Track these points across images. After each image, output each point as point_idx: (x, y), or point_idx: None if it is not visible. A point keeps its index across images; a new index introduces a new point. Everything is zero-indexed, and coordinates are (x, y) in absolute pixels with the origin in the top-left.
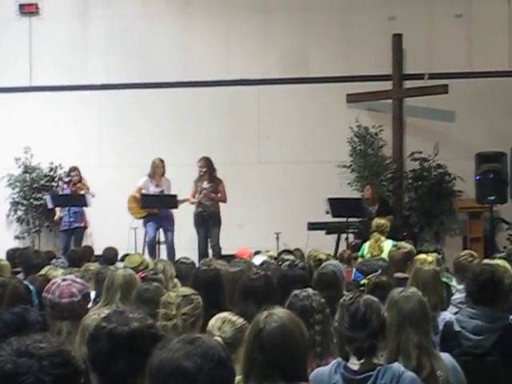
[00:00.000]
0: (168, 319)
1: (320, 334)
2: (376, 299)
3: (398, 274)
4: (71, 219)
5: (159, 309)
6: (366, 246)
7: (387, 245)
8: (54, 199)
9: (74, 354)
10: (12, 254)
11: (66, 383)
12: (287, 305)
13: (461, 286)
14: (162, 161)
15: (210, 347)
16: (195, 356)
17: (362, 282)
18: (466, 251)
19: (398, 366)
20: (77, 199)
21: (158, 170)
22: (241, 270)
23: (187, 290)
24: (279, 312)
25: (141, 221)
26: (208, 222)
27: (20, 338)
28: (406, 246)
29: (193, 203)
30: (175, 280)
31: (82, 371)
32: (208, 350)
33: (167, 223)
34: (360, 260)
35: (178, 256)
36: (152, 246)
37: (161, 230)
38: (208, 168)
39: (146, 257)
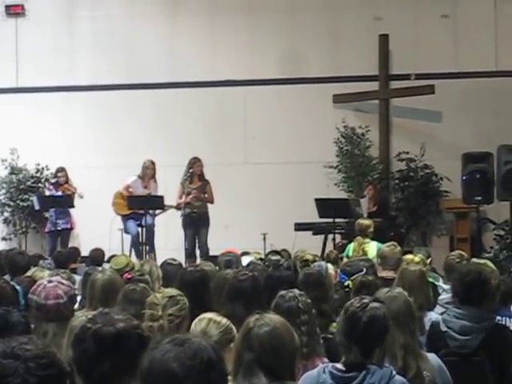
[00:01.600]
0: (154, 320)
1: (306, 335)
2: (384, 310)
3: (389, 273)
4: (57, 220)
5: (145, 310)
6: (351, 247)
7: (372, 247)
8: (40, 201)
9: (59, 357)
10: None
11: None
12: (273, 306)
13: (447, 286)
14: (152, 163)
15: (200, 349)
16: (184, 358)
17: (347, 283)
18: (457, 251)
19: (389, 369)
20: (63, 200)
21: (148, 172)
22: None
23: (173, 291)
24: (271, 316)
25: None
26: (197, 223)
27: (5, 340)
28: (398, 245)
29: (179, 205)
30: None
31: (67, 373)
32: (198, 352)
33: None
34: (345, 260)
35: (164, 257)
36: (137, 243)
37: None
38: (201, 168)
39: (133, 257)
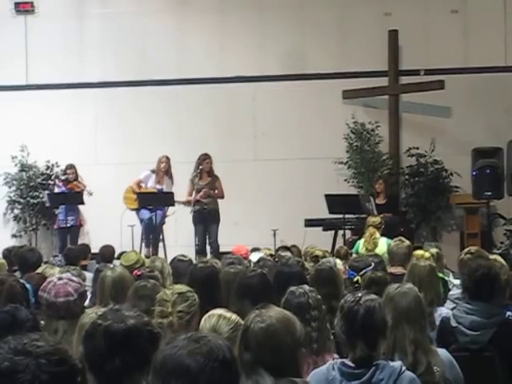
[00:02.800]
0: (164, 317)
1: (316, 331)
2: (378, 301)
3: (398, 269)
4: (67, 217)
5: (155, 306)
6: (361, 242)
7: (381, 242)
8: (50, 197)
9: (71, 353)
10: (7, 254)
11: (62, 381)
12: (283, 302)
13: (458, 281)
14: (168, 158)
15: (215, 347)
16: (198, 355)
17: (356, 279)
18: (474, 247)
19: (398, 364)
20: (73, 197)
21: (161, 166)
22: (235, 273)
23: (183, 288)
24: (270, 312)
25: (137, 219)
26: (207, 219)
27: (17, 336)
28: (406, 240)
29: (188, 201)
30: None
31: (78, 370)
32: (212, 349)
33: (160, 209)
34: (354, 256)
35: (175, 254)
36: (149, 228)
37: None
38: (211, 165)
39: (143, 254)
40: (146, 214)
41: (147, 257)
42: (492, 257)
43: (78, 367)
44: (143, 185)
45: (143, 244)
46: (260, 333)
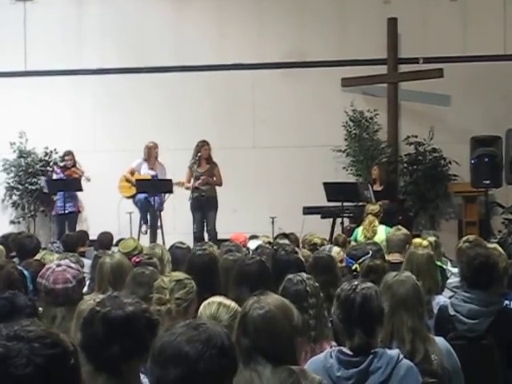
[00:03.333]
0: (162, 304)
1: (314, 318)
2: (375, 288)
3: (395, 256)
4: (65, 204)
5: (153, 293)
6: (359, 230)
7: (380, 230)
8: (49, 184)
9: (63, 337)
10: (5, 241)
11: (57, 364)
12: (281, 289)
13: (456, 270)
14: (155, 144)
15: (214, 334)
16: (197, 342)
17: (354, 267)
18: (472, 236)
19: (396, 352)
20: (71, 183)
21: (152, 152)
22: (234, 260)
23: (180, 275)
24: (268, 298)
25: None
26: (205, 206)
27: (8, 324)
28: (403, 228)
29: (187, 188)
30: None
31: (71, 352)
32: (211, 337)
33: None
34: (352, 244)
35: (173, 241)
36: (145, 207)
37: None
38: (209, 152)
39: (141, 242)
40: (141, 196)
41: (145, 232)
42: (490, 245)
43: (70, 349)
44: (136, 172)
45: (142, 225)
46: (258, 319)
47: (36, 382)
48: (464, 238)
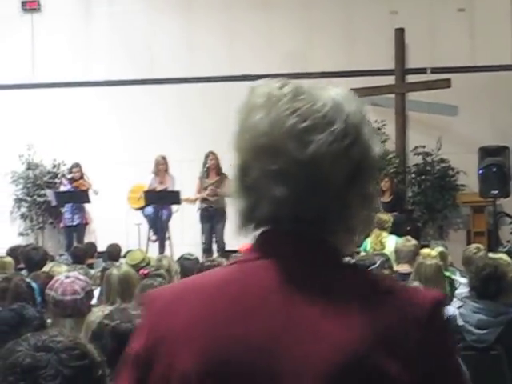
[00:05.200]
0: None
1: None
2: None
3: (404, 267)
4: (73, 216)
5: None
6: (369, 240)
7: (390, 240)
8: (57, 196)
9: (90, 347)
10: (14, 253)
11: (84, 375)
12: None
13: (465, 280)
14: (163, 158)
15: None
16: None
17: None
18: (474, 244)
19: None
20: (79, 196)
21: (160, 167)
22: None
23: None
24: None
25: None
26: (213, 218)
27: (35, 333)
28: (413, 240)
29: (196, 199)
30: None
31: (98, 363)
32: None
33: (165, 207)
34: (361, 254)
35: (181, 252)
36: (154, 221)
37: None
38: (217, 163)
39: (150, 253)
40: (150, 210)
41: (154, 241)
42: (498, 255)
43: (98, 360)
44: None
45: (151, 234)
46: None
47: None
48: (470, 247)
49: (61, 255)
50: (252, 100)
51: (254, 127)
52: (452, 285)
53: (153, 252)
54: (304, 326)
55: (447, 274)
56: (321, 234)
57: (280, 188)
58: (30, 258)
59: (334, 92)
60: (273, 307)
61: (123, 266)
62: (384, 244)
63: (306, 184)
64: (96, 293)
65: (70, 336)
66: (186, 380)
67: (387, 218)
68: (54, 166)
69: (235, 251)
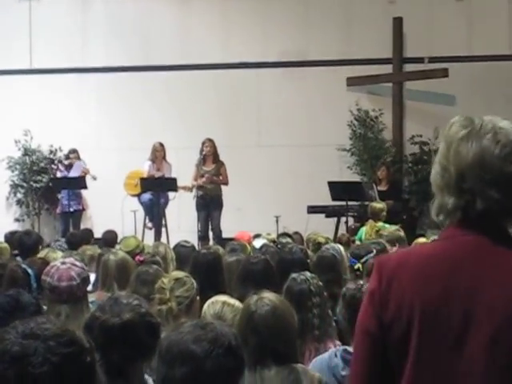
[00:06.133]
0: (163, 303)
1: (318, 317)
2: None
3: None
4: (70, 202)
5: (154, 294)
6: (364, 230)
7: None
8: (53, 182)
9: (78, 334)
10: (10, 237)
11: (73, 362)
12: (285, 288)
13: None
14: (161, 144)
15: (221, 334)
16: (204, 341)
17: (356, 266)
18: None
19: None
20: (76, 182)
21: (157, 154)
22: (237, 260)
23: (179, 273)
24: (269, 295)
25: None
26: (209, 205)
27: (23, 321)
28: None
29: (193, 187)
30: None
31: (87, 349)
32: (218, 336)
33: (161, 194)
34: (357, 243)
35: (177, 239)
36: (150, 208)
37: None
38: (213, 150)
39: (146, 240)
40: (146, 197)
41: (150, 228)
42: None
43: (86, 347)
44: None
45: (147, 221)
46: (268, 314)
47: (52, 380)
48: None
49: (55, 241)
50: (458, 132)
51: (467, 151)
52: None
53: (149, 239)
54: (492, 280)
55: None
56: (503, 221)
57: (493, 191)
58: (22, 242)
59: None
60: (472, 267)
61: (120, 252)
62: (379, 235)
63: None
64: (92, 279)
65: (58, 323)
66: (410, 317)
67: (382, 206)
68: (51, 152)
69: (231, 239)
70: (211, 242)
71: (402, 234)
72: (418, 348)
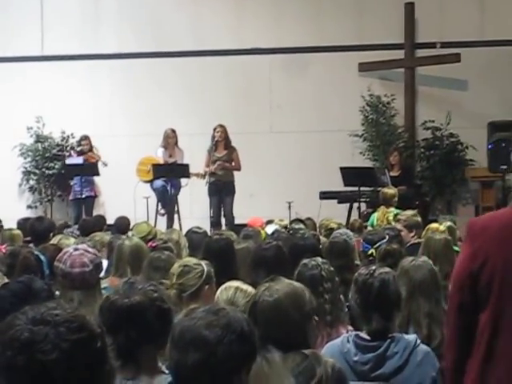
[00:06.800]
0: (167, 289)
1: (330, 303)
2: (392, 273)
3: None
4: (82, 188)
5: (167, 278)
6: (376, 216)
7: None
8: (65, 169)
9: (89, 319)
10: (23, 224)
11: (83, 348)
12: (296, 274)
13: None
14: (173, 131)
15: (234, 320)
16: (216, 327)
17: (370, 251)
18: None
19: (413, 337)
20: (88, 168)
21: (170, 140)
22: (247, 247)
23: (191, 260)
24: (278, 285)
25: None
26: (222, 191)
27: (33, 306)
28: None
29: (205, 173)
30: None
31: (97, 335)
32: (231, 322)
33: (173, 180)
34: (369, 229)
35: (190, 226)
36: (163, 195)
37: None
38: (225, 135)
39: (158, 226)
40: (159, 183)
41: (163, 214)
42: None
43: (97, 332)
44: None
45: (159, 207)
46: (267, 307)
47: (62, 366)
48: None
49: (66, 227)
50: None
51: None
52: None
53: (161, 225)
54: None
55: (456, 248)
56: None
57: None
58: (34, 229)
59: None
60: None
61: (134, 238)
62: (390, 221)
63: None
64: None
65: (69, 308)
66: (493, 269)
67: (393, 192)
68: (63, 139)
69: (244, 225)
70: (223, 228)
71: (419, 219)
72: (498, 296)
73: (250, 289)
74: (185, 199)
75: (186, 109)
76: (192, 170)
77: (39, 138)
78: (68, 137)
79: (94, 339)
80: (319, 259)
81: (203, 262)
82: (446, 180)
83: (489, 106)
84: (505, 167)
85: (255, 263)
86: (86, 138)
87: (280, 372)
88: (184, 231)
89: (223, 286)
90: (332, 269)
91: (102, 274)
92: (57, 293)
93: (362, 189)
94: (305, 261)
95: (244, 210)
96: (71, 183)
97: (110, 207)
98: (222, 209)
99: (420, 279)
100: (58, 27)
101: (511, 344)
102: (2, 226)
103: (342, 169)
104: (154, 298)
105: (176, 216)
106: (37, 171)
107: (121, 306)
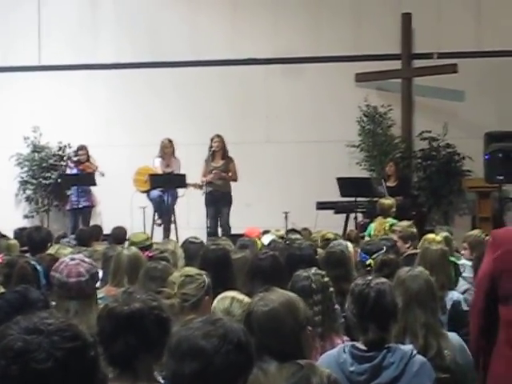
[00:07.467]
0: (167, 298)
1: (320, 314)
2: (388, 283)
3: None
4: (79, 198)
5: (164, 288)
6: (372, 226)
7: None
8: (62, 179)
9: (82, 329)
10: (20, 233)
11: (77, 356)
12: (290, 285)
13: (470, 263)
14: (170, 141)
15: (231, 330)
16: (213, 337)
17: (368, 262)
18: (476, 230)
19: (409, 348)
20: (85, 178)
21: (166, 150)
22: (244, 257)
23: (192, 270)
24: (273, 295)
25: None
26: (219, 202)
27: (26, 316)
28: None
29: (203, 184)
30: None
31: (91, 343)
32: (228, 332)
33: (170, 191)
34: (366, 239)
35: (186, 235)
36: (159, 206)
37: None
38: (222, 146)
39: (155, 236)
40: (156, 193)
41: (159, 225)
42: None
43: (90, 341)
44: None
45: (156, 217)
46: (262, 317)
47: (56, 375)
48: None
49: (62, 237)
50: None
51: None
52: (457, 270)
53: (158, 236)
54: None
55: (452, 259)
56: None
57: None
58: (31, 238)
59: None
60: None
61: (132, 248)
62: (388, 232)
63: None
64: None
65: (62, 317)
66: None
67: (391, 202)
68: (60, 149)
69: (241, 235)
70: (220, 236)
71: (414, 230)
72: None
73: (246, 299)
74: (182, 209)
75: (182, 119)
76: (189, 180)
77: (36, 148)
78: (65, 147)
79: (87, 348)
80: (312, 270)
81: (203, 273)
82: (442, 190)
83: (485, 117)
84: (501, 177)
85: (252, 273)
86: (82, 147)
87: (276, 382)
88: (181, 241)
89: (220, 296)
90: (325, 279)
91: (97, 284)
92: (53, 303)
93: (358, 199)
94: (297, 272)
95: (241, 220)
96: (68, 193)
97: (106, 217)
98: (219, 219)
99: (416, 289)
100: (55, 37)
101: None
102: None
103: (338, 179)
104: (153, 306)
105: (173, 226)
106: (33, 181)
107: (120, 313)
